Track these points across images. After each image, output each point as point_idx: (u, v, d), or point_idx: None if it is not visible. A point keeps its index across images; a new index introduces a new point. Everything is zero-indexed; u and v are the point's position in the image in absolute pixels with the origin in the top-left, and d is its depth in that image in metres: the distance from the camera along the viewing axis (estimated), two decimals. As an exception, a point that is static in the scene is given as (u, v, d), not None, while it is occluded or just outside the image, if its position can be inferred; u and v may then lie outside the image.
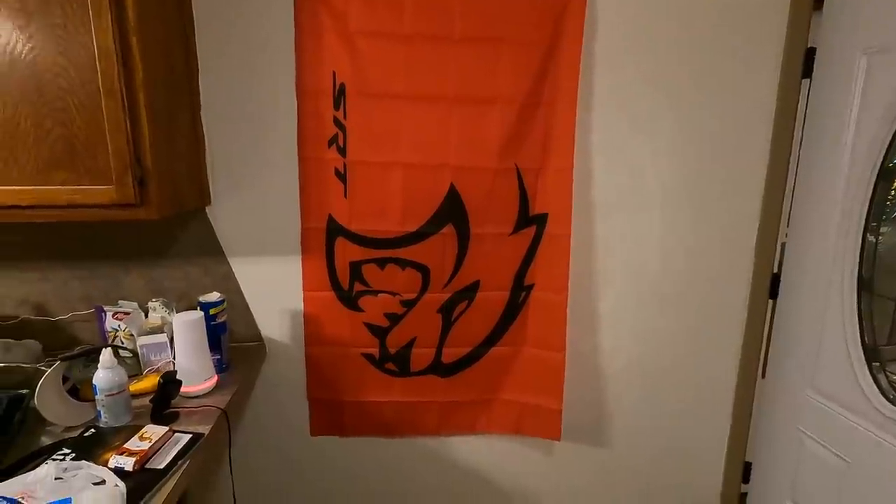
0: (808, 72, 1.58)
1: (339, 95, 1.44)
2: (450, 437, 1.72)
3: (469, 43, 1.44)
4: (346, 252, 1.53)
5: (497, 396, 1.69)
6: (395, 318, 1.59)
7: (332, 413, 1.65)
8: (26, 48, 1.06)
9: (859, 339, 1.43)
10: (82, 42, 1.06)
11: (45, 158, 1.10)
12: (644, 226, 1.63)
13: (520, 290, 1.62)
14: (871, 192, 1.39)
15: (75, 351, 1.21)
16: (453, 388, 1.66)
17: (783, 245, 1.69)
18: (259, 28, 1.39)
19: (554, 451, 1.77)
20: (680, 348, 1.73)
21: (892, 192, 1.38)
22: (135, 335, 1.33)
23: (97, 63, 1.07)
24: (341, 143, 1.46)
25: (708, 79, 1.54)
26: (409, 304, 1.58)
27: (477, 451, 1.75)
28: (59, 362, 1.13)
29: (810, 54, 1.57)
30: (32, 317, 1.46)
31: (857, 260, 1.44)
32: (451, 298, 1.59)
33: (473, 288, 1.59)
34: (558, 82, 1.49)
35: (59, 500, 0.80)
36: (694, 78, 1.53)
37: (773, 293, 1.73)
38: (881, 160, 1.36)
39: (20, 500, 0.80)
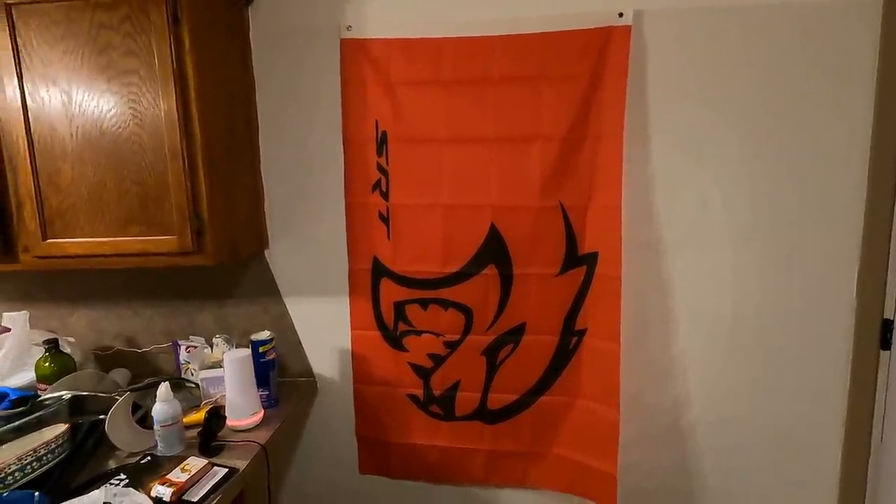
0: (915, 82, 1.34)
1: (382, 142, 1.50)
2: (501, 488, 1.64)
3: (508, 83, 1.43)
4: (391, 292, 1.56)
5: (549, 450, 1.58)
6: (438, 360, 1.57)
7: (379, 452, 1.66)
8: (113, 120, 1.25)
9: None
10: (153, 112, 1.23)
11: (124, 213, 1.28)
12: (713, 266, 1.47)
13: (570, 334, 1.52)
14: None
15: (144, 382, 1.35)
16: (500, 437, 1.59)
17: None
18: (310, 84, 1.51)
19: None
20: (766, 400, 1.51)
21: None
22: (196, 369, 1.46)
23: (164, 130, 1.22)
24: (384, 188, 1.51)
25: (786, 101, 1.37)
26: (452, 346, 1.56)
27: (529, 504, 1.64)
28: (128, 394, 1.27)
29: (919, 67, 1.34)
30: (124, 348, 1.67)
31: None
32: (495, 340, 1.54)
33: (519, 331, 1.53)
34: (603, 115, 1.42)
35: (97, 526, 0.88)
36: (770, 102, 1.37)
37: (885, 343, 1.45)
38: None
39: (69, 521, 0.90)
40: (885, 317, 1.45)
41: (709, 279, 1.47)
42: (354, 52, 1.47)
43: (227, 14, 1.40)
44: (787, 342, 1.47)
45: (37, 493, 0.93)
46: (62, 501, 0.99)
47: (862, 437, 1.50)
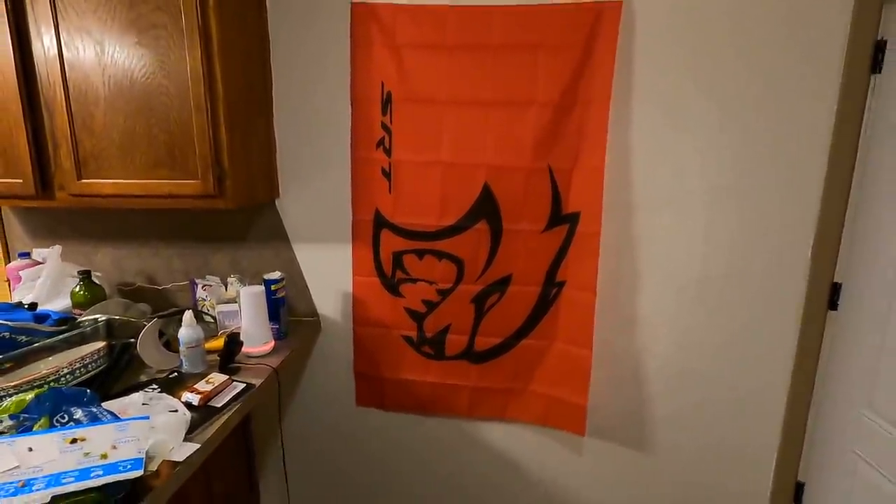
0: (876, 66, 1.47)
1: (387, 102, 1.62)
2: (481, 420, 1.83)
3: (506, 50, 1.54)
4: (390, 242, 1.71)
5: (527, 387, 1.77)
6: (431, 305, 1.74)
7: (374, 387, 1.85)
8: (142, 72, 1.36)
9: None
10: (180, 67, 1.34)
11: (152, 158, 1.41)
12: (687, 226, 1.61)
13: (551, 286, 1.69)
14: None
15: (169, 311, 1.51)
16: (484, 375, 1.77)
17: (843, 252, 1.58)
18: (321, 43, 1.61)
19: (586, 446, 1.80)
20: (724, 356, 1.68)
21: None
22: (214, 304, 1.62)
23: (189, 82, 1.34)
24: (387, 145, 1.64)
25: (762, 77, 1.49)
26: (444, 293, 1.72)
27: (508, 437, 1.84)
28: (156, 319, 1.43)
29: (880, 47, 1.46)
30: (145, 285, 1.83)
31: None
32: (483, 290, 1.70)
33: (505, 281, 1.69)
34: (593, 83, 1.54)
35: (141, 416, 1.05)
36: (745, 74, 1.49)
37: (833, 304, 1.62)
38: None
39: (117, 413, 1.07)
40: (834, 280, 1.62)
41: (681, 240, 1.62)
42: (364, 16, 1.58)
43: (245, -26, 1.49)
44: (748, 301, 1.63)
45: (88, 390, 1.09)
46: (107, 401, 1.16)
47: (806, 386, 1.69)
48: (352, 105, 1.64)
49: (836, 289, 1.61)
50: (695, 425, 1.73)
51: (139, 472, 0.86)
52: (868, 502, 1.46)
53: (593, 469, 1.81)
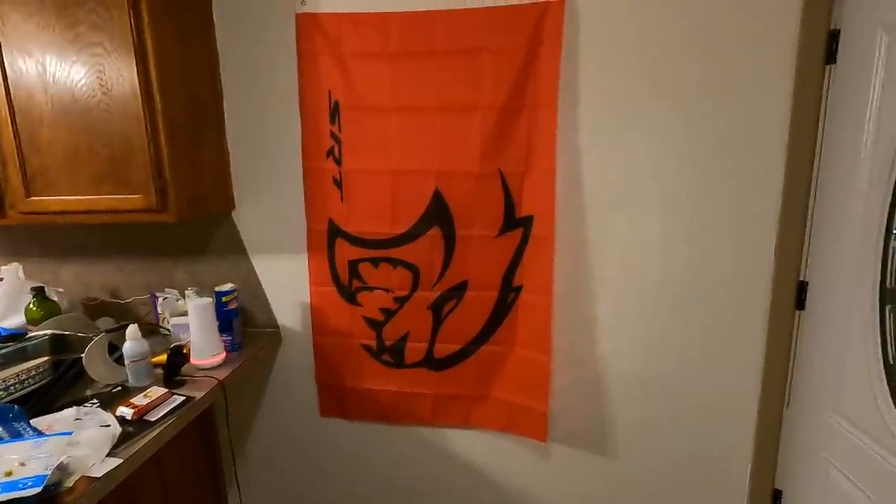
0: (831, 57, 1.42)
1: (334, 111, 1.62)
2: (446, 428, 1.80)
3: (450, 55, 1.53)
4: (345, 251, 1.70)
5: (489, 394, 1.74)
6: (388, 313, 1.72)
7: (337, 397, 1.83)
8: (82, 89, 1.38)
9: (881, 358, 1.26)
10: (118, 81, 1.36)
11: (96, 173, 1.42)
12: (642, 228, 1.57)
13: (508, 290, 1.66)
14: (891, 189, 1.23)
15: (118, 325, 1.52)
16: (445, 382, 1.74)
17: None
18: (270, 55, 1.62)
19: (551, 453, 1.76)
20: (690, 360, 1.63)
21: (912, 190, 1.19)
22: (168, 317, 1.63)
23: (128, 97, 1.36)
24: (337, 154, 1.64)
25: (712, 70, 1.45)
26: (401, 301, 1.70)
27: (473, 445, 1.81)
28: (103, 334, 1.44)
29: (833, 37, 1.41)
30: (109, 299, 1.85)
31: (879, 268, 1.27)
32: (440, 296, 1.68)
33: (462, 287, 1.67)
34: (539, 87, 1.52)
35: (63, 432, 1.05)
36: (695, 70, 1.45)
37: (800, 303, 1.57)
38: (900, 155, 1.20)
39: (43, 430, 1.07)
40: (800, 278, 1.56)
41: (638, 242, 1.58)
42: (309, 26, 1.58)
43: (188, -10, 1.51)
44: (711, 303, 1.58)
45: (16, 406, 1.10)
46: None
47: (777, 390, 1.63)
48: (301, 115, 1.64)
49: (803, 287, 1.56)
50: (663, 431, 1.68)
51: (38, 490, 0.85)
52: (840, 511, 1.40)
53: (559, 476, 1.77)
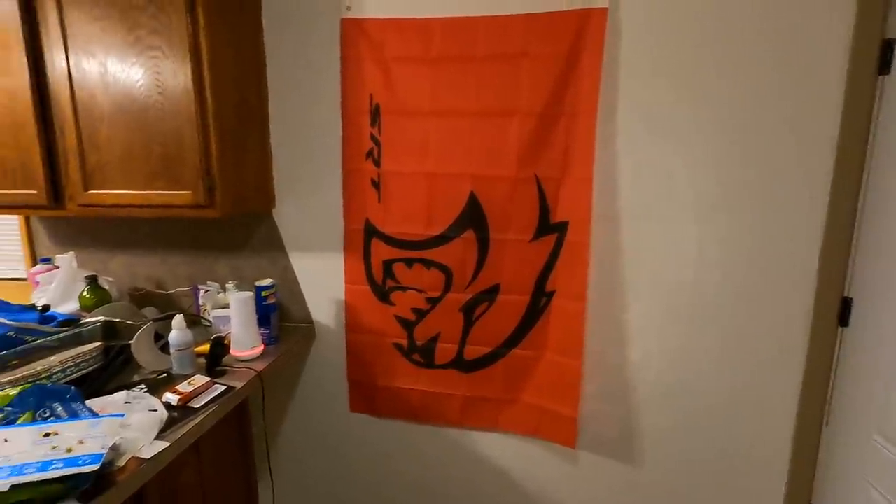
0: (885, 66, 1.38)
1: (375, 114, 1.65)
2: (473, 430, 1.82)
3: (491, 60, 1.55)
4: (380, 251, 1.74)
5: (518, 397, 1.74)
6: (420, 314, 1.75)
7: (367, 394, 1.87)
8: (140, 89, 1.45)
9: (930, 379, 1.22)
10: (173, 83, 1.43)
11: (150, 170, 1.49)
12: (678, 237, 1.56)
13: (541, 295, 1.66)
14: (946, 204, 1.18)
15: (164, 315, 1.59)
16: (474, 384, 1.76)
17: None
18: (315, 59, 1.67)
19: (578, 460, 1.76)
20: (723, 372, 1.60)
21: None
22: (210, 309, 1.69)
23: (181, 99, 1.42)
24: (376, 156, 1.68)
25: (756, 80, 1.44)
26: (433, 302, 1.73)
27: (501, 448, 1.81)
28: (150, 322, 1.51)
29: (888, 46, 1.37)
30: (154, 290, 1.93)
31: (931, 284, 1.23)
32: (472, 298, 1.70)
33: (494, 290, 1.68)
34: (579, 93, 1.52)
35: (116, 414, 1.11)
36: (738, 80, 1.44)
37: (843, 320, 1.52)
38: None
39: (97, 411, 1.13)
40: (844, 294, 1.52)
41: (673, 250, 1.57)
42: (353, 31, 1.62)
43: (240, -4, 1.57)
44: (746, 314, 1.56)
45: (73, 387, 1.16)
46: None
47: (816, 409, 1.59)
48: (342, 118, 1.69)
49: (846, 303, 1.51)
50: (693, 443, 1.66)
51: (96, 467, 0.91)
52: (881, 536, 1.35)
53: (587, 483, 1.76)
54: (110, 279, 1.83)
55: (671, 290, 1.59)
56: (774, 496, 1.63)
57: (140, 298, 1.91)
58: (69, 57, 1.47)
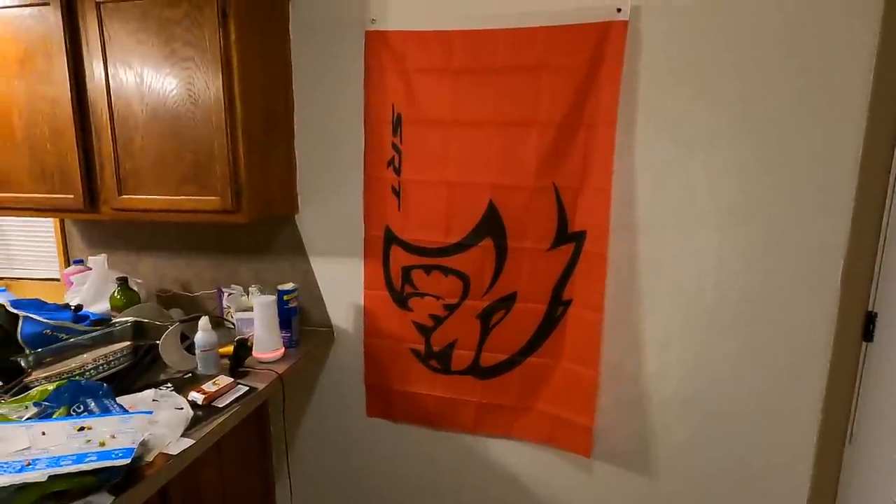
0: (911, 75, 1.37)
1: (397, 124, 1.69)
2: (488, 437, 1.83)
3: (511, 72, 1.58)
4: (399, 258, 1.77)
5: (533, 405, 1.75)
6: (438, 320, 1.77)
7: (384, 398, 1.89)
8: (173, 99, 1.52)
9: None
10: (205, 93, 1.48)
11: (181, 176, 1.55)
12: (697, 248, 1.56)
13: (557, 304, 1.67)
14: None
15: (191, 316, 1.64)
16: (490, 391, 1.77)
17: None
18: (339, 70, 1.72)
19: (593, 470, 1.75)
20: (742, 386, 1.59)
21: None
22: (234, 311, 1.74)
23: (212, 108, 1.48)
24: (397, 164, 1.71)
25: (778, 92, 1.44)
26: (450, 308, 1.75)
27: (515, 456, 1.82)
28: (177, 323, 1.56)
29: (915, 57, 1.36)
30: (180, 292, 1.99)
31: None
32: (489, 306, 1.71)
33: (511, 298, 1.70)
34: (599, 105, 1.54)
35: (145, 411, 1.16)
36: (759, 91, 1.44)
37: (868, 335, 1.50)
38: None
39: (127, 407, 1.18)
40: (869, 309, 1.49)
41: (692, 261, 1.57)
42: (377, 43, 1.67)
43: (269, 9, 1.63)
44: (767, 326, 1.55)
45: (105, 384, 1.21)
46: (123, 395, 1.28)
47: (838, 426, 1.56)
48: (365, 127, 1.73)
49: (871, 318, 1.49)
50: (709, 456, 1.65)
51: (127, 461, 0.95)
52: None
53: (602, 494, 1.75)
54: (139, 281, 1.90)
55: (689, 300, 1.59)
56: (794, 513, 1.61)
57: (167, 300, 1.98)
58: (107, 67, 1.54)
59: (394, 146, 1.71)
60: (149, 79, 1.52)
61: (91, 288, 1.76)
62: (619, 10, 1.48)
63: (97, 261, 1.82)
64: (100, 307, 1.73)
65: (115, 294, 1.72)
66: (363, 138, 1.74)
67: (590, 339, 1.63)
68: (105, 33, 1.52)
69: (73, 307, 1.65)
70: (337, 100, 1.74)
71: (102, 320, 1.58)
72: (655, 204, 1.56)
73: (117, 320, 1.56)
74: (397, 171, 1.72)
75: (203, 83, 1.48)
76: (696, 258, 1.56)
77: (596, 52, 1.51)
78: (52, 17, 1.53)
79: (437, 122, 1.65)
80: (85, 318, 1.57)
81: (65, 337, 1.43)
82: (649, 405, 1.67)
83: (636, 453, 1.70)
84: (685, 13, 1.46)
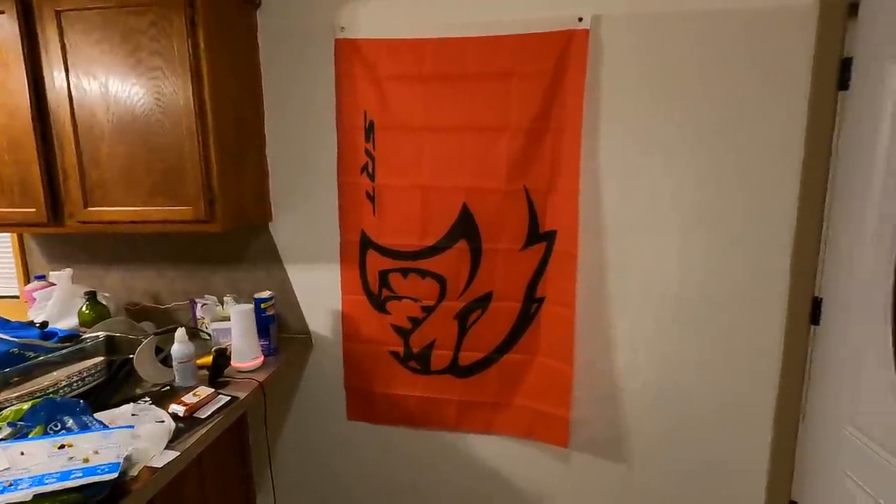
0: (844, 83, 1.49)
1: (370, 130, 1.72)
2: (469, 433, 1.87)
3: (480, 79, 1.63)
4: (376, 262, 1.79)
5: (511, 401, 1.81)
6: (416, 322, 1.80)
7: (364, 401, 1.91)
8: (141, 108, 1.49)
9: (894, 371, 1.31)
10: (174, 102, 1.47)
11: (150, 186, 1.53)
12: (661, 248, 1.64)
13: (531, 301, 1.73)
14: (902, 210, 1.29)
15: (165, 329, 1.61)
16: (469, 389, 1.81)
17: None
18: (309, 77, 1.72)
19: (570, 460, 1.82)
20: (707, 374, 1.68)
21: (922, 211, 1.26)
22: (209, 322, 1.72)
23: (182, 117, 1.47)
24: (371, 170, 1.74)
25: (728, 98, 1.53)
26: (428, 310, 1.78)
27: (494, 450, 1.87)
28: (152, 336, 1.53)
29: (846, 65, 1.49)
30: (150, 304, 1.95)
31: (892, 283, 1.33)
32: (466, 306, 1.76)
33: (487, 298, 1.75)
34: (564, 110, 1.61)
35: (126, 426, 1.14)
36: (713, 99, 1.53)
37: (815, 318, 1.62)
38: (910, 176, 1.26)
39: (106, 423, 1.16)
40: (815, 294, 1.62)
41: (658, 259, 1.65)
42: (347, 51, 1.69)
43: (237, 18, 1.63)
44: (727, 319, 1.64)
45: (81, 401, 1.19)
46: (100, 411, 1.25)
47: (793, 403, 1.68)
48: (337, 133, 1.74)
49: (817, 303, 1.61)
50: (679, 442, 1.73)
51: (115, 475, 0.94)
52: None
53: (579, 483, 1.82)
54: (107, 294, 1.85)
55: (656, 298, 1.67)
56: (756, 492, 1.71)
57: (137, 313, 1.93)
58: (69, 76, 1.50)
59: (367, 152, 1.73)
60: (114, 88, 1.49)
61: (56, 304, 1.71)
62: (580, 19, 1.56)
63: (62, 276, 1.76)
64: (67, 323, 1.68)
65: (84, 309, 1.68)
66: (336, 145, 1.75)
67: (563, 335, 1.69)
68: (66, 42, 1.49)
69: (38, 324, 1.60)
70: (308, 107, 1.75)
71: (72, 336, 1.53)
72: (621, 205, 1.64)
73: (88, 335, 1.52)
74: (371, 177, 1.74)
75: (172, 92, 1.46)
76: (661, 256, 1.65)
77: (560, 59, 1.58)
78: (9, 26, 1.49)
79: (409, 128, 1.68)
80: (53, 334, 1.52)
81: (32, 355, 1.39)
82: (622, 397, 1.74)
83: (611, 443, 1.77)
84: (643, 22, 1.54)
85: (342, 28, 1.68)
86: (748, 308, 1.63)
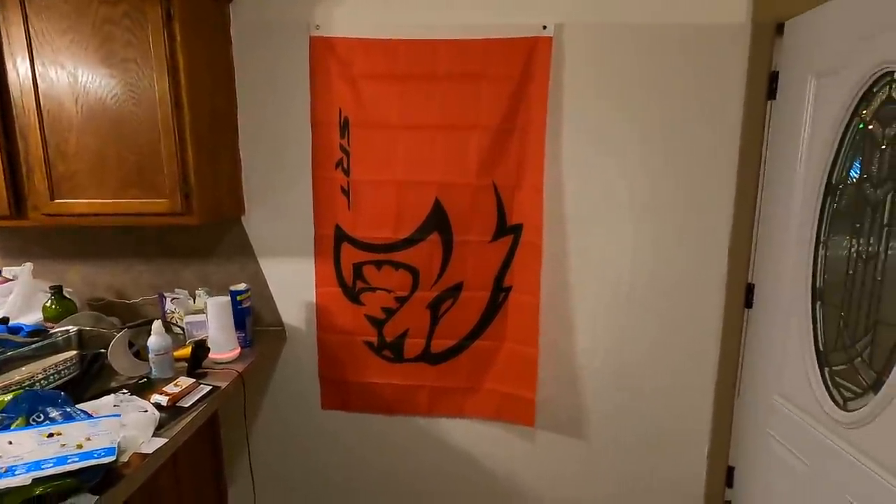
0: (772, 93, 1.69)
1: (344, 127, 1.77)
2: (441, 417, 1.96)
3: (452, 80, 1.71)
4: (350, 255, 1.84)
5: (481, 385, 1.91)
6: (389, 312, 1.87)
7: (339, 390, 1.96)
8: (113, 99, 1.48)
9: (813, 346, 1.51)
10: (149, 95, 1.47)
11: (123, 179, 1.52)
12: (617, 239, 1.79)
13: (499, 291, 1.84)
14: (819, 206, 1.49)
15: (138, 322, 1.61)
16: (442, 375, 1.90)
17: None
18: (283, 72, 1.75)
19: (536, 438, 1.95)
20: (656, 354, 1.85)
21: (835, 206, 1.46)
22: (183, 315, 1.72)
23: (158, 109, 1.47)
24: (345, 165, 1.79)
25: (672, 104, 1.69)
26: (401, 301, 1.86)
27: (465, 432, 1.97)
28: (125, 329, 1.52)
29: (774, 77, 1.68)
30: (115, 300, 1.91)
31: (811, 271, 1.53)
32: (438, 296, 1.85)
33: (458, 288, 1.84)
34: (530, 111, 1.72)
35: (112, 415, 1.15)
36: (660, 103, 1.69)
37: (749, 302, 1.82)
38: (826, 177, 1.46)
39: (91, 413, 1.17)
40: (749, 281, 1.82)
41: (613, 250, 1.80)
42: (322, 49, 1.73)
43: (212, 11, 1.63)
44: (673, 304, 1.82)
45: (62, 392, 1.19)
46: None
47: (730, 377, 1.88)
48: (312, 129, 1.78)
49: (750, 289, 1.81)
50: (632, 418, 1.90)
51: (112, 458, 0.96)
52: (782, 477, 1.63)
53: (544, 460, 1.95)
54: (69, 290, 1.80)
55: (612, 286, 1.82)
56: (699, 457, 1.90)
57: (100, 309, 1.88)
58: (35, 67, 1.46)
59: (342, 148, 1.78)
60: (84, 79, 1.47)
61: (17, 299, 1.65)
62: (544, 27, 1.68)
63: (23, 270, 1.70)
64: (30, 318, 1.63)
65: (49, 304, 1.64)
66: (310, 140, 1.79)
67: (529, 321, 1.82)
68: (31, 30, 1.45)
69: (-1, 320, 1.55)
70: (282, 102, 1.78)
71: (39, 331, 1.50)
72: (581, 200, 1.78)
73: (57, 330, 1.49)
74: (346, 172, 1.79)
75: (147, 84, 1.46)
76: (616, 247, 1.80)
77: (526, 64, 1.69)
78: (-33, 11, 1.43)
79: (383, 126, 1.75)
80: (19, 329, 1.48)
81: (1, 350, 1.35)
82: (581, 378, 1.89)
83: (572, 421, 1.92)
84: (599, 32, 1.68)
85: (317, 26, 1.72)
86: (692, 293, 1.81)
